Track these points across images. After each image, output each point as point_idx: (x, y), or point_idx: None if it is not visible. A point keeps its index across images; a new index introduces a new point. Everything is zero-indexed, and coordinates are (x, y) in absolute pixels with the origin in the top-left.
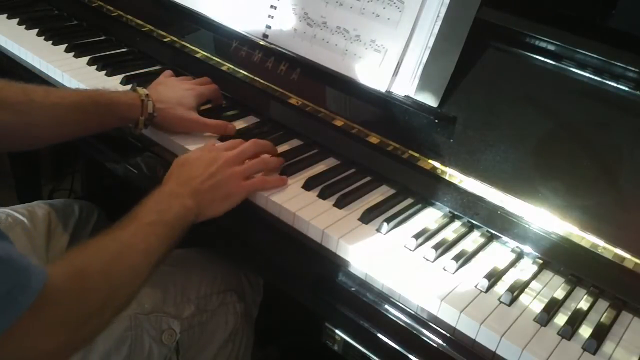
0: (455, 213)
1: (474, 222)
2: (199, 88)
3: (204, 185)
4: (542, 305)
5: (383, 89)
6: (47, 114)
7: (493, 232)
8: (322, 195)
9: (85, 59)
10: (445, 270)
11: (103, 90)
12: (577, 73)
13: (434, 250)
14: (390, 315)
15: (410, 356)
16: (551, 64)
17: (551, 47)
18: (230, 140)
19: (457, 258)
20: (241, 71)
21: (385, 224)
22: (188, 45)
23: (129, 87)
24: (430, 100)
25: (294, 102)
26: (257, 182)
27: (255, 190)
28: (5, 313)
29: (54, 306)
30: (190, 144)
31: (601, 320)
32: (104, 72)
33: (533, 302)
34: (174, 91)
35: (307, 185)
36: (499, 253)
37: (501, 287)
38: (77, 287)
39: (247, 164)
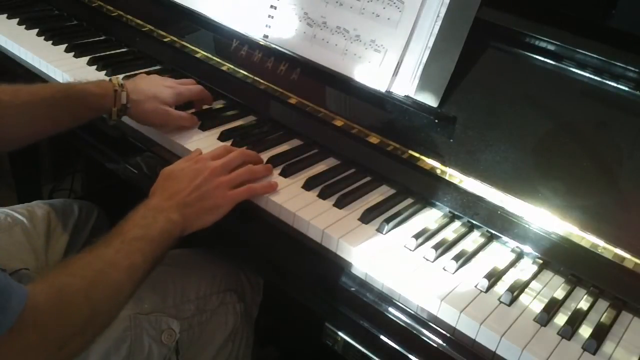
0: (455, 213)
1: (474, 222)
2: (179, 87)
3: (189, 198)
4: (542, 305)
5: (383, 89)
6: (17, 114)
7: (493, 232)
8: (322, 195)
9: (85, 59)
10: (445, 270)
11: (74, 83)
12: (577, 73)
13: (434, 250)
14: (390, 315)
15: (410, 356)
16: (551, 64)
17: (551, 47)
18: (216, 149)
19: (457, 258)
20: (241, 71)
21: (385, 224)
22: (188, 45)
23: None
24: (430, 100)
25: (294, 102)
26: (244, 191)
27: (242, 199)
28: None
29: (34, 327)
30: (191, 144)
31: (601, 320)
32: (104, 72)
33: (533, 302)
34: (151, 85)
35: (307, 185)
36: (499, 253)
37: (501, 287)
38: (57, 307)
39: (234, 173)
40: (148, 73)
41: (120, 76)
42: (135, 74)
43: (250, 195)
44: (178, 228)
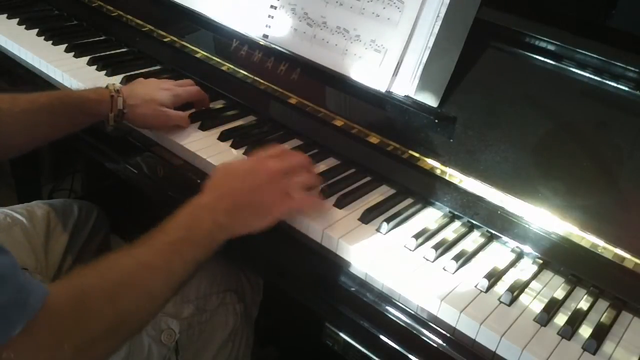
0: (455, 213)
1: (474, 222)
2: (176, 89)
3: (242, 199)
4: (542, 305)
5: (383, 89)
6: (16, 122)
7: (493, 232)
8: (323, 195)
9: (85, 59)
10: (445, 270)
11: (71, 90)
12: (577, 73)
13: (434, 250)
14: (390, 315)
15: (410, 356)
16: (551, 64)
17: (551, 47)
18: (273, 147)
19: (457, 258)
20: (241, 71)
21: (385, 224)
22: (188, 45)
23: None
24: (430, 100)
25: (294, 102)
26: (302, 202)
27: (297, 211)
28: (0, 328)
29: (50, 329)
30: (191, 144)
31: (601, 320)
32: (104, 72)
33: (533, 302)
34: (148, 89)
35: None
36: (499, 253)
37: (501, 287)
38: (76, 310)
39: (292, 179)
40: (148, 73)
41: (118, 81)
42: (136, 74)
43: (307, 209)
44: (224, 232)
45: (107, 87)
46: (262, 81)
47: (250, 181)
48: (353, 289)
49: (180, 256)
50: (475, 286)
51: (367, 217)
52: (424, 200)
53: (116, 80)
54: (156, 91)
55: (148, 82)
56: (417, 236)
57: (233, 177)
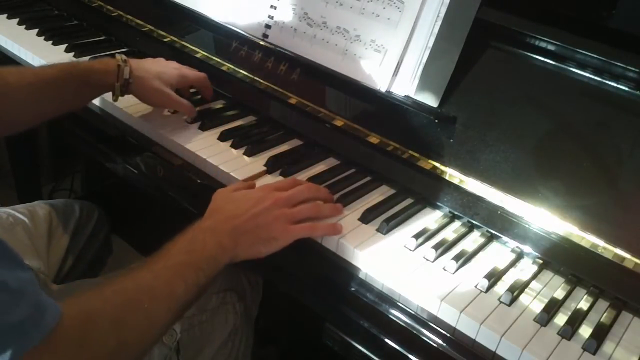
0: (455, 213)
1: (474, 222)
2: (183, 69)
3: (247, 224)
4: (542, 305)
5: (383, 89)
6: (23, 95)
7: (493, 232)
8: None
9: (86, 59)
10: (445, 270)
11: (78, 62)
12: (577, 73)
13: (434, 250)
14: (390, 315)
15: (410, 356)
16: (551, 64)
17: (551, 47)
18: (282, 180)
19: (457, 258)
20: (241, 71)
21: (385, 224)
22: (188, 45)
23: None
24: (430, 100)
25: (294, 102)
26: (305, 228)
27: (302, 236)
28: (14, 344)
29: (60, 347)
30: (191, 144)
31: (601, 320)
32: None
33: (533, 302)
34: (156, 65)
35: None
36: (499, 253)
37: (501, 287)
38: (80, 334)
39: (297, 208)
40: None
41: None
42: None
43: (311, 234)
44: (227, 255)
45: (114, 56)
46: (262, 81)
47: (252, 208)
48: (353, 288)
49: (183, 280)
50: (475, 286)
51: (367, 217)
52: (424, 200)
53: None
54: (164, 67)
55: (156, 59)
56: (417, 236)
57: (236, 203)
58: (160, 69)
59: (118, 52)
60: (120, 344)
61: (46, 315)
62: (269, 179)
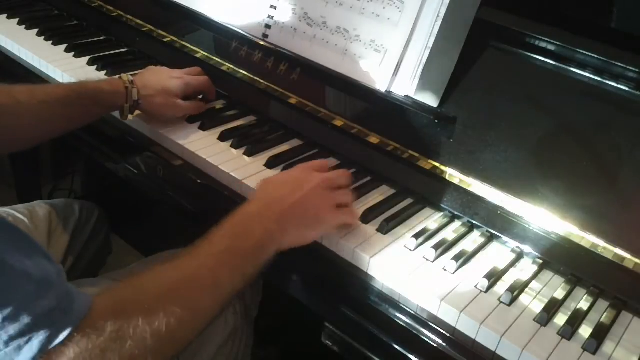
0: (455, 213)
1: (474, 222)
2: (187, 78)
3: (292, 208)
4: (542, 305)
5: (383, 89)
6: (34, 114)
7: (493, 232)
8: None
9: (85, 59)
10: (445, 270)
11: (87, 81)
12: (577, 73)
13: (434, 250)
14: (390, 315)
15: (410, 356)
16: (551, 64)
17: (551, 47)
18: (315, 161)
19: (457, 258)
20: (241, 71)
21: (385, 223)
22: (188, 45)
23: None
24: (430, 100)
25: (294, 102)
26: (349, 214)
27: (345, 222)
28: (43, 334)
29: (92, 338)
30: (191, 144)
31: (601, 320)
32: (104, 72)
33: (533, 302)
34: (159, 78)
35: None
36: (499, 253)
37: (501, 287)
38: (113, 323)
39: (339, 192)
40: None
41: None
42: (136, 74)
43: (352, 221)
44: (275, 242)
45: (119, 77)
46: (262, 81)
47: (297, 190)
48: (353, 288)
49: (228, 268)
50: (475, 286)
51: (368, 217)
52: (424, 200)
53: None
54: (168, 80)
55: (159, 70)
56: (417, 236)
57: (279, 187)
58: (164, 82)
59: (121, 50)
60: (156, 336)
61: (75, 305)
62: (269, 174)
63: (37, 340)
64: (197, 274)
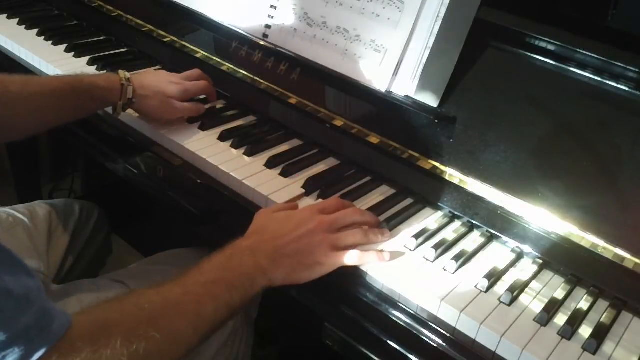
0: (455, 213)
1: (474, 222)
2: (186, 84)
3: (289, 247)
4: (542, 305)
5: (383, 89)
6: (26, 105)
7: (493, 232)
8: (323, 195)
9: (85, 59)
10: (445, 270)
11: (82, 75)
12: (577, 73)
13: (434, 250)
14: (390, 315)
15: (410, 356)
16: (551, 64)
17: (551, 47)
18: (327, 201)
19: (457, 258)
20: (241, 71)
21: (385, 224)
22: (188, 45)
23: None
24: (430, 100)
25: (294, 102)
26: (353, 256)
27: (348, 264)
28: (20, 352)
29: (70, 357)
30: (191, 144)
31: (601, 320)
32: (104, 72)
33: (533, 302)
34: (157, 81)
35: (307, 186)
36: (499, 253)
37: (501, 287)
38: (92, 343)
39: (344, 232)
40: None
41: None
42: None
43: (358, 262)
44: (264, 277)
45: (117, 74)
46: (262, 81)
47: (295, 229)
48: (353, 289)
49: (213, 298)
50: (475, 286)
51: None
52: (424, 200)
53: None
54: (166, 84)
55: (158, 73)
56: (417, 236)
57: (279, 223)
58: (162, 85)
59: (120, 49)
60: (135, 359)
61: (54, 323)
62: (269, 174)
63: (11, 358)
64: (181, 300)
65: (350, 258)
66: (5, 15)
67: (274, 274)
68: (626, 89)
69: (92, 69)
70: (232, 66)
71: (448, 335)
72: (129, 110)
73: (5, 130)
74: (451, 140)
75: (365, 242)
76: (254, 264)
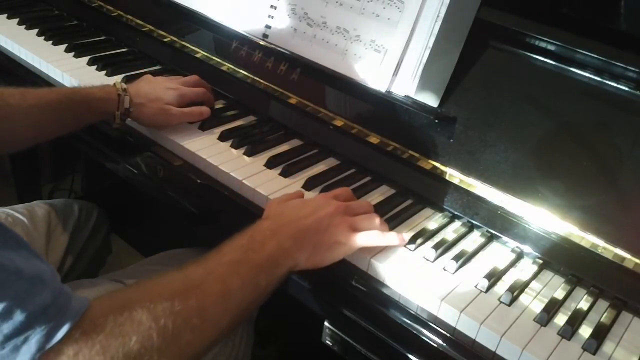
0: (455, 213)
1: (474, 222)
2: (182, 89)
3: (310, 228)
4: (542, 305)
5: (383, 89)
6: (24, 117)
7: (493, 232)
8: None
9: (85, 59)
10: (445, 270)
11: (79, 87)
12: (577, 73)
13: (434, 250)
14: (390, 315)
15: (410, 356)
16: (551, 64)
17: (551, 47)
18: (338, 189)
19: (457, 258)
20: (241, 71)
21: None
22: (188, 45)
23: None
24: (430, 100)
25: (294, 102)
26: (374, 236)
27: (369, 245)
28: (39, 333)
29: (94, 335)
30: (191, 144)
31: (601, 320)
32: (104, 72)
33: (533, 302)
34: (154, 88)
35: (307, 186)
36: (499, 253)
37: (501, 287)
38: (117, 320)
39: (359, 216)
40: (148, 73)
41: (121, 78)
42: (136, 74)
43: (378, 242)
44: (290, 258)
45: (113, 85)
46: (262, 81)
47: (313, 213)
48: (353, 288)
49: (238, 277)
50: (475, 286)
51: None
52: (424, 201)
53: (116, 80)
54: (162, 91)
55: (154, 80)
56: (417, 236)
57: (295, 209)
58: (158, 92)
59: (119, 50)
60: (166, 335)
61: (73, 301)
62: (269, 174)
63: (35, 339)
64: (205, 279)
65: (370, 238)
66: (5, 15)
67: (297, 254)
68: (626, 89)
69: (92, 69)
70: (232, 66)
71: (448, 335)
72: None
73: (5, 142)
74: (451, 140)
75: (376, 228)
76: (277, 246)
